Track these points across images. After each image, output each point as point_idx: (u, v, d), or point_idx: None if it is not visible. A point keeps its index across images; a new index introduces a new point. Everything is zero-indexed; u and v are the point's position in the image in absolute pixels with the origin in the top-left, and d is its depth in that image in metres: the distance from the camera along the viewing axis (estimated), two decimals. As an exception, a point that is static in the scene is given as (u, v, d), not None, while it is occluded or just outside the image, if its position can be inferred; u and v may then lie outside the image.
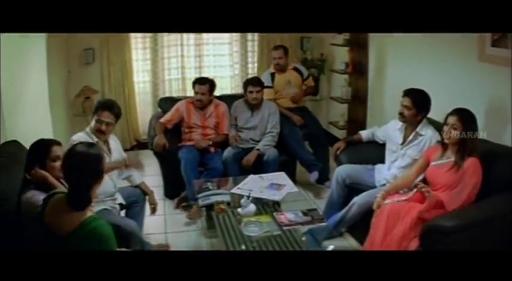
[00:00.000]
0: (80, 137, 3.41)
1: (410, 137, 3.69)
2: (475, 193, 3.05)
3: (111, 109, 3.53)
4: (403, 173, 3.62)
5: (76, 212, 2.23)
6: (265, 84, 5.17)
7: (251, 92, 4.79)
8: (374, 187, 3.78)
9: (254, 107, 4.88)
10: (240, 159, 4.68)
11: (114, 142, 3.67)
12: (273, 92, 5.29)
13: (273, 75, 5.35)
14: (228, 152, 4.69)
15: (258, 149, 4.71)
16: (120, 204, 3.57)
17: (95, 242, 2.17)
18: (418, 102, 3.63)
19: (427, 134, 3.61)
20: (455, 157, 3.17)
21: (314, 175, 4.99)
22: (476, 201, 3.05)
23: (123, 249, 2.83)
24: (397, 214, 3.14)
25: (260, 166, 4.62)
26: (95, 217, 2.27)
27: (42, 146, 2.83)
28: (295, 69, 5.45)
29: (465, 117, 3.16)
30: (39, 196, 2.67)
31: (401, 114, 3.70)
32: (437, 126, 3.55)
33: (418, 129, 3.66)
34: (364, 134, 4.31)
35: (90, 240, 2.17)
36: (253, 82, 4.88)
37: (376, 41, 5.29)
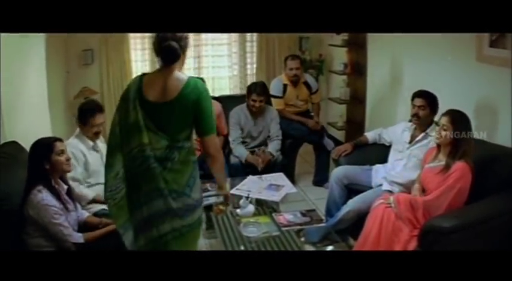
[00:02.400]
0: (72, 144, 3.36)
1: (419, 137, 3.67)
2: (461, 199, 3.03)
3: (102, 110, 3.53)
4: (408, 173, 3.61)
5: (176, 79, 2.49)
6: (275, 93, 5.16)
7: (254, 100, 4.71)
8: (371, 187, 3.79)
9: (256, 114, 4.83)
10: (246, 165, 4.65)
11: (101, 144, 3.62)
12: (283, 103, 5.25)
13: (285, 86, 5.26)
14: (234, 159, 4.67)
15: (270, 152, 4.69)
16: None
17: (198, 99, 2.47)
18: (430, 102, 3.62)
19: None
20: (445, 160, 3.12)
21: (328, 143, 5.13)
22: (474, 201, 3.04)
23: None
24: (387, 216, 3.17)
25: (269, 169, 4.58)
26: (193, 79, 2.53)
27: (46, 143, 2.86)
28: (306, 83, 5.37)
29: (456, 119, 3.12)
30: (51, 199, 2.73)
31: (415, 115, 3.65)
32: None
33: (428, 131, 3.63)
34: (370, 135, 4.28)
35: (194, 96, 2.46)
36: (257, 91, 4.74)
37: (375, 42, 5.30)
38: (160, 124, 2.46)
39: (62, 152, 2.88)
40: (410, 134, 3.78)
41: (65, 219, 2.79)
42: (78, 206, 3.10)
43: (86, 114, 3.45)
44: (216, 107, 4.83)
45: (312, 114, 5.52)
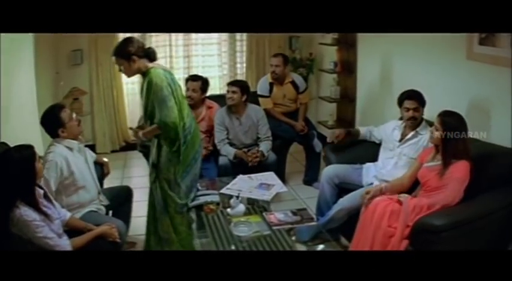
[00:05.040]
0: (57, 153, 3.17)
1: (409, 136, 3.67)
2: (457, 194, 3.03)
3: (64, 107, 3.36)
4: (398, 171, 3.60)
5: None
6: (262, 93, 5.15)
7: (227, 91, 4.67)
8: (362, 186, 3.78)
9: (237, 111, 4.71)
10: (237, 165, 4.57)
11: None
12: (270, 102, 5.21)
13: (271, 85, 5.21)
14: (223, 159, 4.59)
15: (262, 152, 4.61)
16: (106, 205, 3.51)
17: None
18: (422, 102, 3.61)
19: (426, 134, 3.55)
20: (442, 160, 3.13)
21: (317, 144, 5.11)
22: (465, 200, 3.04)
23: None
24: (384, 214, 3.15)
25: (261, 169, 4.48)
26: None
27: (29, 153, 2.67)
28: (293, 83, 5.27)
29: (447, 120, 3.11)
30: (30, 213, 2.59)
31: (412, 118, 3.62)
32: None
33: (418, 129, 3.64)
34: (363, 131, 4.21)
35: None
36: (231, 82, 4.83)
37: (365, 41, 5.31)
38: None
39: (39, 157, 2.74)
40: (400, 132, 3.78)
41: (49, 230, 2.65)
42: (58, 206, 2.95)
43: (56, 115, 3.24)
44: (215, 109, 4.79)
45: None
